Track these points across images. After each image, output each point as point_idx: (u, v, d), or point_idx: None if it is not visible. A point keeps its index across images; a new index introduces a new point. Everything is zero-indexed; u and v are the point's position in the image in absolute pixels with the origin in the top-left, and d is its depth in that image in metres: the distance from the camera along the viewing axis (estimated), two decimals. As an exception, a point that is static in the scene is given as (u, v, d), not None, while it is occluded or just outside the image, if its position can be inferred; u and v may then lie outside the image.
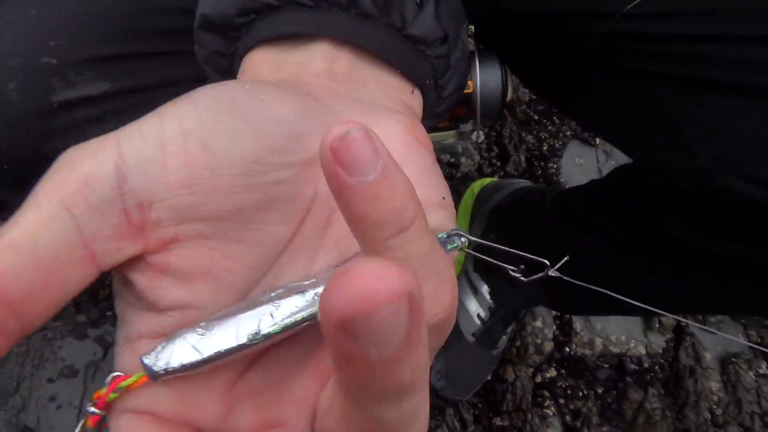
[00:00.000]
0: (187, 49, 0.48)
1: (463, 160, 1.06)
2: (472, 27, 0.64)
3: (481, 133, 0.67)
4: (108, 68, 0.46)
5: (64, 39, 0.45)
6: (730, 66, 0.46)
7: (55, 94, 0.44)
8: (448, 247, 0.22)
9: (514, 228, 0.86)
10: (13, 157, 0.44)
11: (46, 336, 0.94)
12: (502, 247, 0.30)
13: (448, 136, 0.72)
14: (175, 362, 0.19)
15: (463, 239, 0.23)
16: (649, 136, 0.54)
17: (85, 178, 0.18)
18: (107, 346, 0.95)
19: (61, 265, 0.17)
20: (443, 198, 0.23)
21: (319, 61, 0.25)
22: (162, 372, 0.19)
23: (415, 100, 0.29)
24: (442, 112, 0.33)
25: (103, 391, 0.19)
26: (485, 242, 0.27)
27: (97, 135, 0.19)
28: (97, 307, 0.96)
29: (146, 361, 0.19)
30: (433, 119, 0.32)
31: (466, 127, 0.71)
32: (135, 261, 0.19)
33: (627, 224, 0.59)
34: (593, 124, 0.67)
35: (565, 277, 0.29)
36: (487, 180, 1.01)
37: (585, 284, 0.33)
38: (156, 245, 0.19)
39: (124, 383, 0.19)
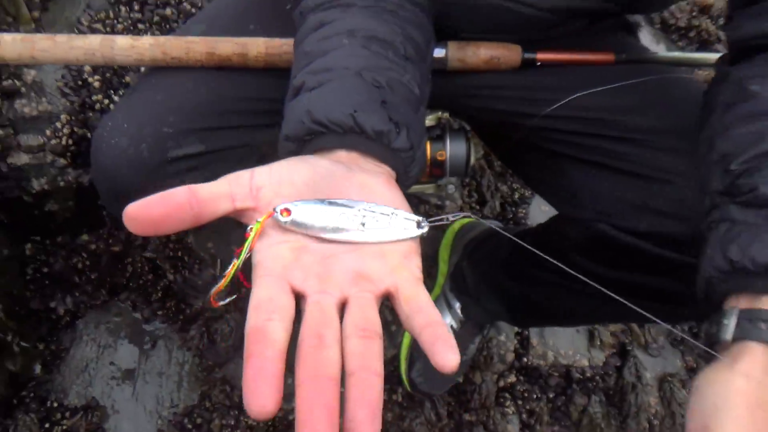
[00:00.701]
0: (252, 123, 0.74)
1: (448, 203, 1.31)
2: (447, 114, 0.91)
3: (452, 186, 0.93)
4: (204, 135, 0.72)
5: (178, 116, 0.71)
6: (607, 155, 0.72)
7: (170, 152, 0.70)
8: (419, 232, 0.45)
9: (482, 258, 1.10)
10: (142, 192, 0.70)
11: (108, 328, 1.19)
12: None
13: (430, 188, 0.98)
14: (298, 218, 0.41)
15: (425, 228, 0.46)
16: (560, 195, 0.80)
17: (237, 175, 0.43)
18: (156, 338, 1.20)
19: (221, 199, 0.42)
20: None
21: (344, 154, 0.50)
22: (286, 221, 0.42)
23: (392, 174, 0.54)
24: (411, 182, 0.58)
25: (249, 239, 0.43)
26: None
27: (193, 181, 0.44)
28: (149, 307, 1.20)
29: (277, 209, 0.42)
30: (405, 185, 0.57)
31: (443, 181, 0.97)
32: (249, 211, 0.44)
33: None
34: (530, 183, 0.94)
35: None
36: (466, 220, 1.27)
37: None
38: (259, 204, 0.44)
39: (257, 225, 0.42)
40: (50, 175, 0.98)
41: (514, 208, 1.38)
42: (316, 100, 0.51)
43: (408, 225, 0.45)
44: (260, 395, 0.32)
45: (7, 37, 0.70)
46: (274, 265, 0.41)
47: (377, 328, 0.39)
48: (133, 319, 1.20)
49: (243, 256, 0.42)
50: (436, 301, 1.18)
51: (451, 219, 0.52)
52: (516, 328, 1.28)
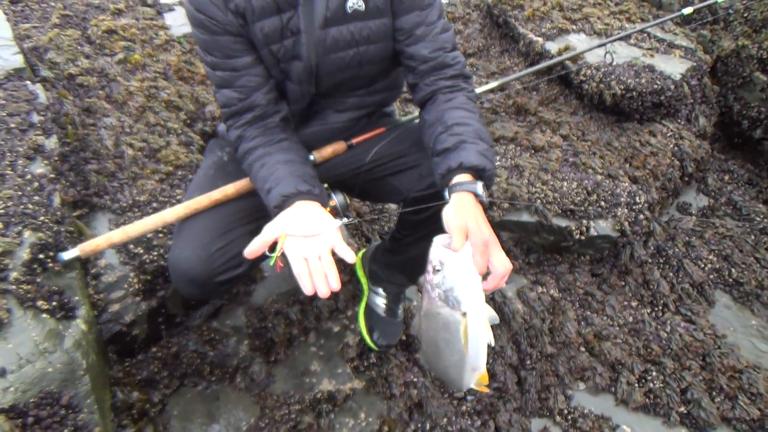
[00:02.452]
0: (250, 217, 1.55)
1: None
2: (326, 185, 1.78)
3: (345, 220, 1.78)
4: (228, 235, 1.51)
5: (223, 241, 1.48)
6: (398, 166, 1.62)
7: (215, 268, 1.47)
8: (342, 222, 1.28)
9: (377, 257, 1.94)
10: (197, 296, 1.47)
11: (187, 405, 1.82)
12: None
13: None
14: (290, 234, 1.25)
15: (340, 222, 1.28)
16: (391, 195, 1.68)
17: (266, 228, 1.25)
18: (217, 395, 1.85)
19: (265, 241, 1.24)
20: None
21: (298, 203, 1.34)
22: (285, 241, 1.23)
23: (318, 203, 1.37)
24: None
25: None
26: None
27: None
28: (204, 381, 1.86)
29: (285, 233, 1.24)
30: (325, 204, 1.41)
31: (339, 218, 1.80)
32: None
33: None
34: (376, 199, 1.85)
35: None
36: (363, 249, 2.10)
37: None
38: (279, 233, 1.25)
39: (282, 238, 1.22)
40: (133, 310, 1.69)
41: (375, 225, 2.25)
42: (277, 191, 1.34)
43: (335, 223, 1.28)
44: (319, 287, 1.15)
45: (114, 233, 1.47)
46: (292, 250, 1.22)
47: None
48: (197, 393, 1.85)
49: (278, 251, 1.22)
50: (368, 297, 1.99)
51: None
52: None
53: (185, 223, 1.50)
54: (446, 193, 1.31)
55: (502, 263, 1.20)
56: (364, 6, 1.41)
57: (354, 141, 1.65)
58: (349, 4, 1.40)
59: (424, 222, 1.62)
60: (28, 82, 2.05)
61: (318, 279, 1.18)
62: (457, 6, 3.77)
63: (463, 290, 1.18)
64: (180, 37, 2.67)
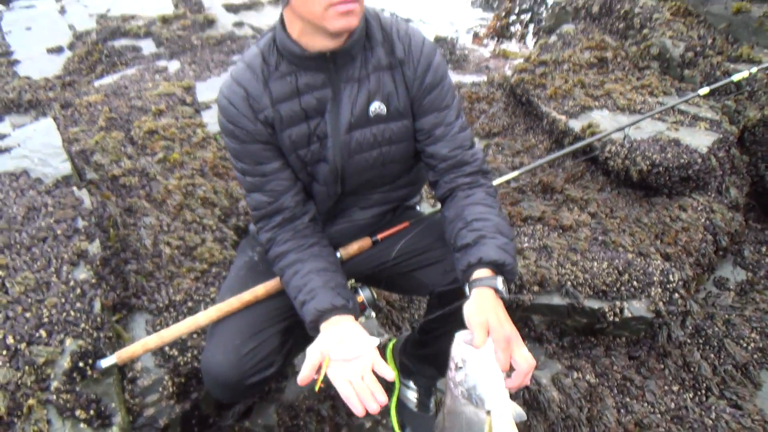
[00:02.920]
0: (278, 319, 1.59)
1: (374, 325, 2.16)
2: (353, 280, 1.82)
3: (372, 313, 1.80)
4: (258, 338, 1.55)
5: (254, 343, 1.53)
6: (423, 261, 1.66)
7: (246, 371, 1.51)
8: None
9: (407, 350, 1.94)
10: (229, 399, 1.51)
11: None
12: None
13: (362, 318, 1.84)
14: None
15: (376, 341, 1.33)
16: (419, 287, 1.71)
17: (309, 352, 1.31)
18: None
19: (313, 367, 1.30)
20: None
21: (335, 317, 1.39)
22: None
23: (353, 317, 1.42)
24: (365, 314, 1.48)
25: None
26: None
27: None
28: None
29: (329, 357, 1.28)
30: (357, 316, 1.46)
31: (367, 313, 1.83)
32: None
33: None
34: (403, 292, 1.88)
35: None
36: (394, 340, 2.11)
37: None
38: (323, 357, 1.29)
39: (326, 362, 1.26)
40: (167, 413, 1.73)
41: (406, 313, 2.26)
42: (313, 306, 1.39)
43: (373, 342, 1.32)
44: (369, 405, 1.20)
45: (149, 338, 1.53)
46: (337, 375, 1.27)
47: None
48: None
49: (321, 376, 1.26)
50: (399, 391, 1.99)
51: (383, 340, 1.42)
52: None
53: (217, 327, 1.55)
54: (467, 289, 1.34)
55: (525, 360, 1.21)
56: (385, 109, 1.48)
57: (379, 237, 1.70)
58: (372, 108, 1.47)
59: (452, 315, 1.64)
60: (75, 188, 2.19)
61: (366, 398, 1.24)
62: (481, 86, 3.88)
63: (486, 388, 1.18)
64: (216, 134, 2.82)
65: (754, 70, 2.65)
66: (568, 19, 4.20)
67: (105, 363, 1.53)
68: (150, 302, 1.96)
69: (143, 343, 1.52)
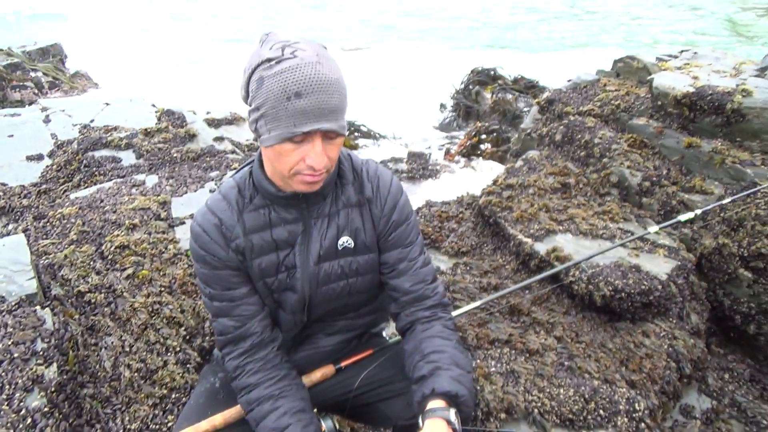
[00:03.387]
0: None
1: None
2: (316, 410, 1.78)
3: None
4: None
5: None
6: (385, 392, 1.64)
7: None
8: None
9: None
10: None
11: None
12: None
13: None
14: None
15: None
16: (382, 420, 1.68)
17: None
18: None
19: None
20: None
21: None
22: None
23: None
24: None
25: None
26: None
27: None
28: None
29: None
30: None
31: None
32: None
33: None
34: (370, 424, 1.83)
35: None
36: None
37: None
38: None
39: None
40: None
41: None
42: None
43: None
44: None
45: None
46: None
47: None
48: None
49: None
50: None
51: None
52: None
53: None
54: (420, 420, 1.35)
55: None
56: (353, 243, 1.55)
57: (342, 364, 1.70)
58: (340, 242, 1.53)
59: None
60: (38, 308, 2.16)
61: None
62: (451, 205, 4.02)
63: None
64: (188, 251, 2.84)
65: (699, 212, 2.82)
66: (533, 145, 4.45)
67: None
68: (103, 431, 1.89)
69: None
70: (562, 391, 2.47)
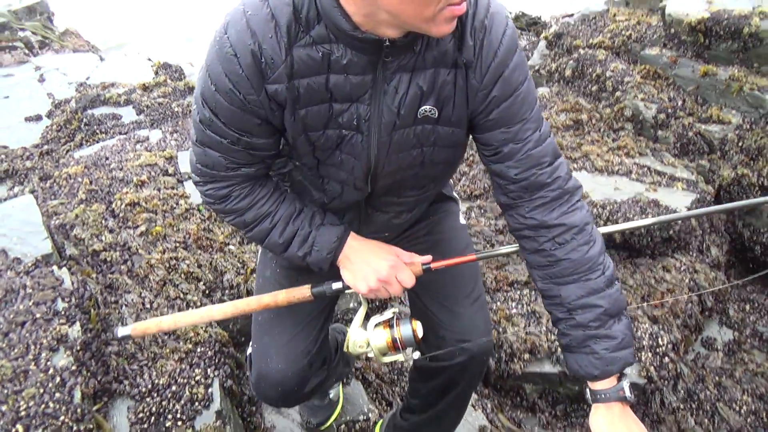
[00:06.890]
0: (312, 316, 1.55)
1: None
2: (396, 309, 1.77)
3: (416, 352, 1.64)
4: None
5: (310, 347, 1.50)
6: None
7: (307, 375, 1.50)
8: None
9: (394, 423, 1.88)
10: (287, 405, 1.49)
11: None
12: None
13: (400, 357, 1.56)
14: None
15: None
16: None
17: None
18: None
19: None
20: None
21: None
22: None
23: None
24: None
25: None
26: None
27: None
28: None
29: None
30: None
31: (408, 351, 1.66)
32: None
33: None
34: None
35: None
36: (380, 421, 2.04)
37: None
38: None
39: None
40: None
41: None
42: (322, 253, 1.31)
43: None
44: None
45: (164, 319, 1.40)
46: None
47: None
48: None
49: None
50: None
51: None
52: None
53: (265, 338, 1.51)
54: (587, 393, 1.27)
55: None
56: (437, 114, 1.19)
57: (433, 265, 1.35)
58: (421, 110, 1.17)
59: (433, 391, 1.63)
60: (55, 268, 2.13)
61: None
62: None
63: None
64: (200, 205, 2.79)
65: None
66: (542, 82, 4.33)
67: (121, 332, 1.40)
68: (132, 387, 1.89)
69: (157, 323, 1.40)
70: (584, 328, 2.46)
